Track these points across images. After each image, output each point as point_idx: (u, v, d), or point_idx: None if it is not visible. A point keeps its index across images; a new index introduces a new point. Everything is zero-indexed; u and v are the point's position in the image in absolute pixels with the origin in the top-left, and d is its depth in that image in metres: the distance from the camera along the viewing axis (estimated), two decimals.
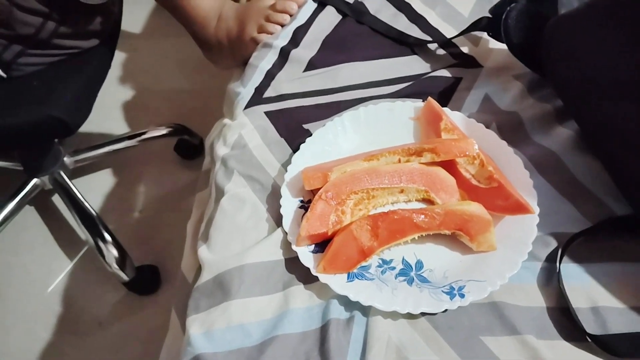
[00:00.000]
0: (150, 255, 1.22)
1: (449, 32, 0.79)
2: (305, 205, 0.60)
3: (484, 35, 0.76)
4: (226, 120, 0.74)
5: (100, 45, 0.94)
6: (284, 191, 0.61)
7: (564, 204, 0.60)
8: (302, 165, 0.63)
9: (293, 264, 0.57)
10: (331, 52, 0.77)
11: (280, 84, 0.75)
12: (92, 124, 1.41)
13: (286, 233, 0.58)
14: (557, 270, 0.54)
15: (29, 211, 1.32)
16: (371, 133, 0.67)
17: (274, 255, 0.57)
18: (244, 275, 0.56)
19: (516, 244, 0.55)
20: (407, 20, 0.81)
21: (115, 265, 1.12)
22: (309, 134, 0.67)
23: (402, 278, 0.55)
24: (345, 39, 0.79)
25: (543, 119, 0.66)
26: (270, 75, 0.76)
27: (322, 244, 0.57)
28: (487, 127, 0.65)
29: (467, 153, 0.60)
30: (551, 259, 0.56)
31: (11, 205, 1.18)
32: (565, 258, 0.56)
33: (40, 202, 1.33)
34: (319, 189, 0.59)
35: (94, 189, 1.35)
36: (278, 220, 0.60)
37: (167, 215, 1.30)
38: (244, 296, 0.54)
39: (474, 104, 0.70)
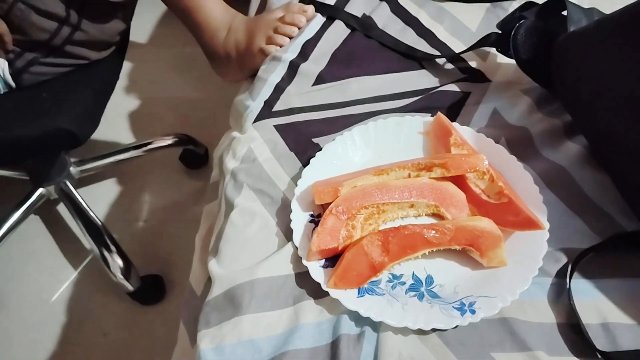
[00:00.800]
0: (155, 265, 1.22)
1: (457, 46, 0.79)
2: (315, 220, 0.60)
3: (492, 50, 0.77)
4: (235, 133, 0.74)
5: (110, 57, 0.94)
6: (294, 205, 0.61)
7: (573, 219, 0.60)
8: (312, 180, 0.63)
9: (303, 278, 0.57)
10: (340, 66, 0.78)
11: (290, 98, 0.75)
12: (98, 133, 1.39)
13: (296, 247, 0.58)
14: (568, 286, 0.54)
15: (35, 220, 1.32)
16: (381, 147, 0.67)
17: (285, 270, 0.58)
18: (254, 289, 0.56)
19: (526, 259, 0.55)
20: (415, 35, 0.82)
21: (120, 275, 1.12)
22: (318, 147, 0.67)
23: (412, 293, 0.55)
24: (354, 53, 0.79)
25: (552, 134, 0.67)
26: (279, 89, 0.76)
27: (332, 259, 0.57)
28: (497, 142, 0.66)
29: (477, 168, 0.60)
30: (561, 274, 0.56)
31: (17, 215, 1.18)
32: (575, 274, 0.56)
33: (46, 211, 1.33)
34: (329, 203, 0.59)
35: (99, 198, 1.35)
36: (288, 235, 0.60)
37: (172, 225, 1.31)
38: (255, 311, 0.54)
39: (483, 118, 0.71)
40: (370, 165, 0.65)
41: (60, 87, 0.88)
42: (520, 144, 0.66)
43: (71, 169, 1.23)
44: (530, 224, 0.56)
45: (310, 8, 0.84)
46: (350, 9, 0.86)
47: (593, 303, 0.54)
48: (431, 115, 0.69)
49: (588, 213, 0.60)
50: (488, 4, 0.86)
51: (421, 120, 0.68)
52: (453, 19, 0.83)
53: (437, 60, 0.78)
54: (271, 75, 0.77)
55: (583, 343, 0.51)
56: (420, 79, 0.76)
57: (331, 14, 0.84)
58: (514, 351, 0.51)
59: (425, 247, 0.56)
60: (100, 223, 1.17)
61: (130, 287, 1.13)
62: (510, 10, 0.81)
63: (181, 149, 1.39)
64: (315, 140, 0.70)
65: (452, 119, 0.69)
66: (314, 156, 0.65)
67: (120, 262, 1.13)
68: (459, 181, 0.61)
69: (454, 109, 0.72)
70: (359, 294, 0.54)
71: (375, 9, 0.86)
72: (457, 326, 0.52)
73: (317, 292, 0.55)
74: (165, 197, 1.37)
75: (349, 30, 0.83)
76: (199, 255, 0.68)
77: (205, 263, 0.62)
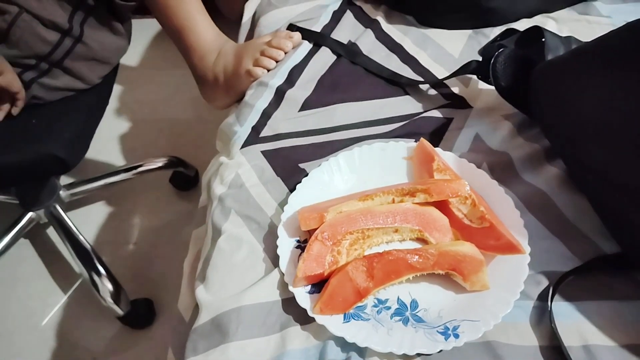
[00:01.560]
0: (145, 288, 1.22)
1: (440, 72, 0.81)
2: (301, 246, 0.61)
3: (474, 76, 0.79)
4: (222, 159, 0.75)
5: (101, 82, 0.95)
6: (281, 232, 0.62)
7: (554, 243, 0.61)
8: (298, 205, 0.64)
9: (290, 304, 0.57)
10: (326, 92, 0.80)
11: (277, 123, 0.76)
12: (89, 155, 1.40)
13: (283, 274, 0.59)
14: (549, 309, 0.55)
15: (24, 244, 1.32)
16: (366, 173, 0.68)
17: (271, 296, 0.58)
18: (241, 316, 0.56)
19: (508, 283, 0.56)
20: (399, 61, 0.84)
21: (109, 299, 1.12)
22: (305, 173, 0.69)
23: (397, 318, 0.56)
24: (340, 79, 0.81)
25: (532, 159, 0.68)
26: (266, 115, 0.77)
27: (318, 285, 0.57)
28: (478, 166, 0.67)
29: (459, 193, 0.61)
30: (543, 297, 0.57)
31: (7, 239, 1.18)
32: (556, 296, 0.57)
33: (36, 235, 1.33)
34: (315, 229, 0.60)
35: (89, 221, 1.35)
36: (275, 260, 0.61)
37: (162, 248, 1.31)
38: (242, 338, 0.55)
39: (465, 143, 0.72)
40: (355, 190, 0.67)
41: (50, 114, 0.89)
42: (501, 169, 0.68)
43: (61, 192, 1.23)
44: (511, 248, 0.57)
45: (297, 34, 0.86)
46: (336, 35, 0.88)
47: (574, 325, 0.55)
48: (415, 141, 0.71)
49: (568, 236, 0.61)
50: (470, 31, 0.88)
51: (405, 146, 0.70)
52: (436, 46, 0.85)
53: (421, 86, 0.80)
54: (258, 100, 0.79)
55: None
56: (405, 105, 0.78)
57: (318, 41, 0.86)
58: None
59: (409, 272, 0.57)
60: (89, 247, 1.17)
61: (120, 312, 1.13)
62: (492, 36, 0.83)
63: (171, 171, 1.39)
64: (301, 165, 0.71)
65: (435, 144, 0.70)
66: (300, 182, 0.66)
67: (109, 286, 1.13)
68: (442, 206, 0.63)
69: (437, 134, 0.74)
70: (344, 319, 0.55)
71: (361, 36, 0.88)
72: (441, 350, 0.53)
73: (303, 318, 0.56)
74: (156, 219, 1.37)
75: (335, 57, 0.85)
76: (187, 281, 0.68)
77: (193, 289, 0.63)
